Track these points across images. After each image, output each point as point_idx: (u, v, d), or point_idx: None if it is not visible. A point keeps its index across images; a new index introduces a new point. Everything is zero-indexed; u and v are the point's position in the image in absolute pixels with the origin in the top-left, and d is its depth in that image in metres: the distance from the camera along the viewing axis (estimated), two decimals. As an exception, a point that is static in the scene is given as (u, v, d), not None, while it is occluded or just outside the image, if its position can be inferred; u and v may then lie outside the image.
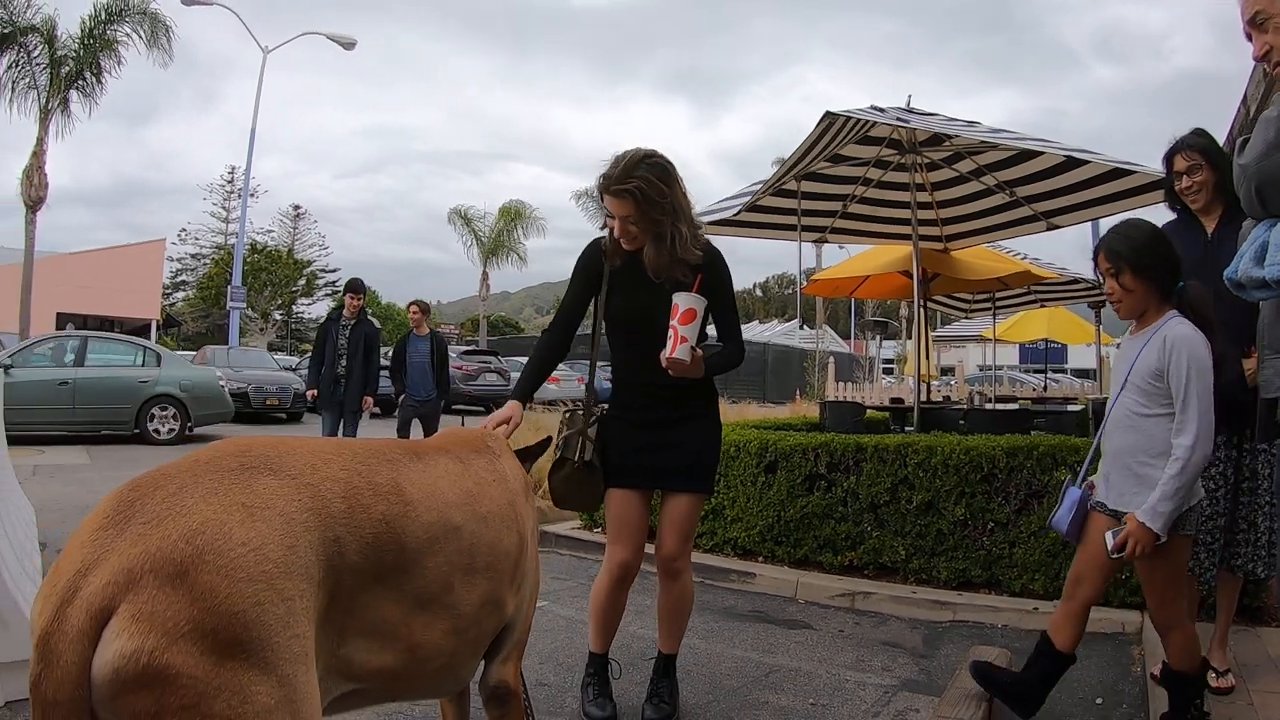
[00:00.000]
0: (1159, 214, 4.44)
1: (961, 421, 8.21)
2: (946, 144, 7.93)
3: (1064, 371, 42.86)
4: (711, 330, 3.73)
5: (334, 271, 62.57)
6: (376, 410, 10.61)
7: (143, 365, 15.67)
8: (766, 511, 6.46)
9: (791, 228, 8.78)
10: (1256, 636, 4.68)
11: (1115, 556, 3.32)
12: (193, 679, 1.47)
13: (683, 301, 3.38)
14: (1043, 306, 15.47)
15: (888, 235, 9.88)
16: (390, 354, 11.09)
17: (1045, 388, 21.89)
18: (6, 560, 3.95)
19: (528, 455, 2.98)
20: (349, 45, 30.45)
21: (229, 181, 64.17)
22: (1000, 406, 13.14)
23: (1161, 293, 3.40)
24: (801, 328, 42.15)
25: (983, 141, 7.16)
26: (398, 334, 11.50)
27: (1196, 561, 3.97)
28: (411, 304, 11.20)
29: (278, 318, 55.57)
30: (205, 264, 62.78)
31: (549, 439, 3.25)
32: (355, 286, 10.53)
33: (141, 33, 25.05)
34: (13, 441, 7.31)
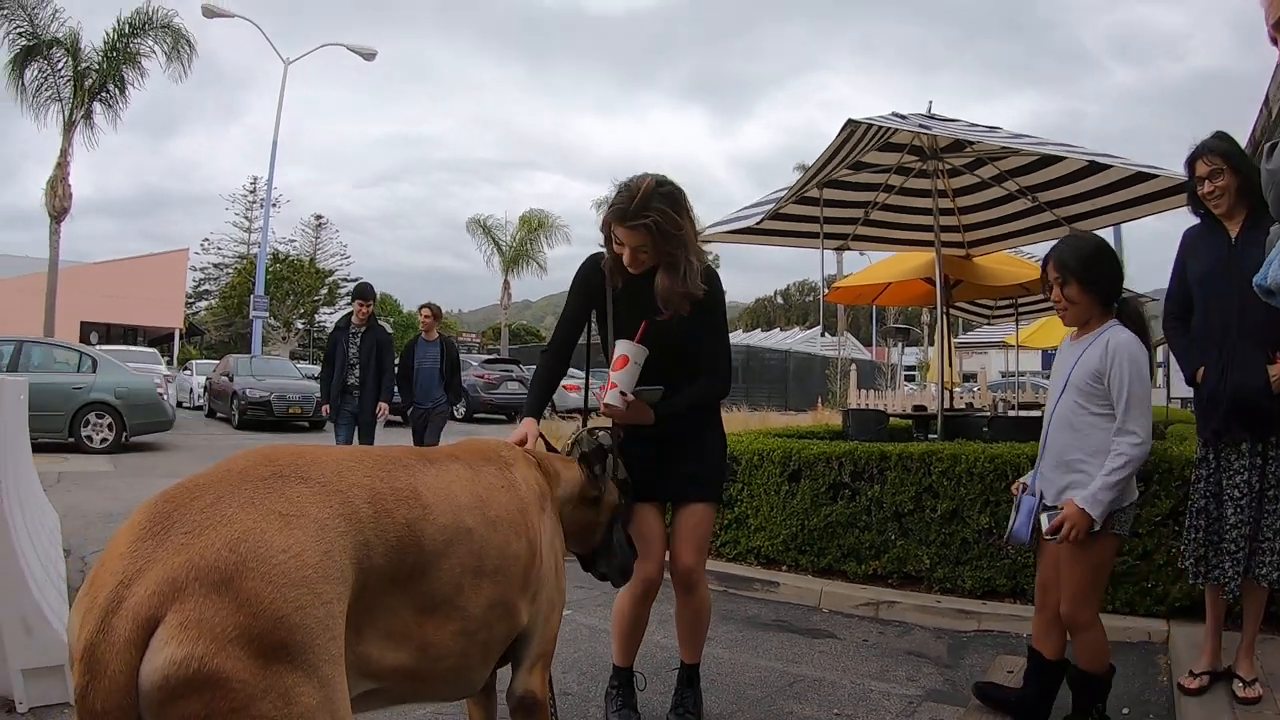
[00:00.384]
0: (1182, 218, 4.43)
1: (985, 429, 8.18)
2: (968, 150, 7.90)
3: (1087, 377, 42.53)
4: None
5: (356, 280, 62.81)
6: (396, 418, 10.30)
7: (79, 371, 15.15)
8: (790, 520, 6.43)
9: (814, 235, 8.76)
10: (1286, 646, 4.63)
11: (1048, 539, 3.46)
12: (241, 682, 1.51)
13: (619, 348, 3.41)
14: (1066, 312, 15.34)
15: (910, 242, 9.85)
16: (399, 361, 10.40)
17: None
18: (32, 567, 3.98)
19: (591, 459, 3.09)
20: (369, 56, 30.64)
21: (251, 191, 64.59)
22: (1024, 413, 13.07)
23: (1104, 303, 3.57)
24: (823, 335, 42.04)
25: (1004, 147, 7.14)
26: (418, 342, 10.69)
27: (1221, 571, 3.94)
28: (422, 307, 10.53)
29: (300, 326, 55.79)
30: (228, 273, 63.18)
31: (607, 443, 3.23)
32: (363, 292, 10.03)
33: (163, 46, 25.28)
34: None
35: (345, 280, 60.40)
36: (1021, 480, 3.86)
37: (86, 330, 40.03)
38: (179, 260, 50.58)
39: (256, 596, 1.55)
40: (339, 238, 72.59)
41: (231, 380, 21.53)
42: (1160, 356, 13.19)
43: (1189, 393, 4.42)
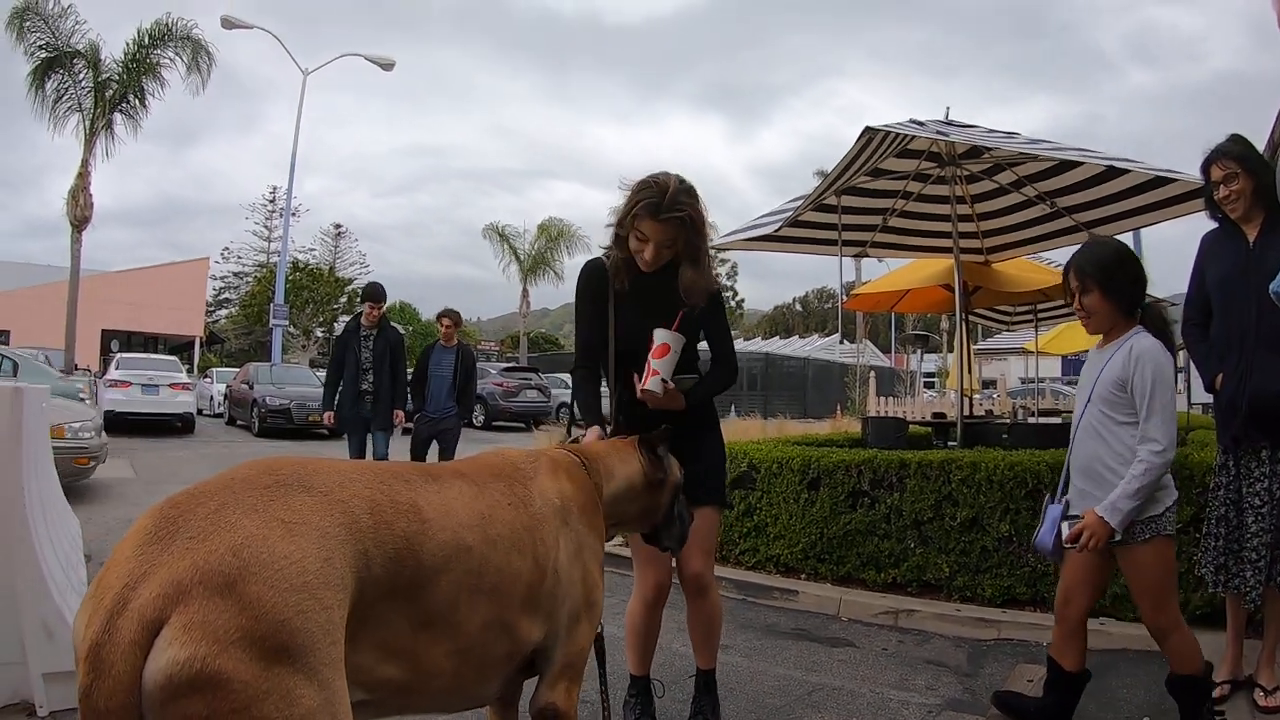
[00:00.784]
0: (1202, 221, 4.40)
1: (1005, 436, 8.13)
2: (986, 156, 7.89)
3: (1107, 383, 42.34)
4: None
5: (375, 288, 62.96)
6: (410, 425, 9.58)
7: None
8: (809, 528, 6.42)
9: (832, 242, 8.75)
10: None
11: (1069, 547, 3.43)
12: (243, 684, 1.54)
13: (658, 337, 3.46)
14: (1086, 318, 15.28)
15: (928, 248, 9.83)
16: (411, 366, 10.00)
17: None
18: (53, 572, 4.01)
19: (654, 442, 3.10)
20: (387, 66, 30.77)
21: (271, 201, 65.07)
22: (1044, 420, 13.00)
23: (1127, 310, 3.52)
24: (842, 342, 41.98)
25: (1022, 153, 7.12)
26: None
27: (1242, 579, 3.91)
28: (441, 314, 9.85)
29: (319, 335, 55.94)
30: (248, 282, 63.60)
31: (666, 428, 3.23)
32: (374, 293, 9.35)
33: (183, 56, 25.48)
34: None
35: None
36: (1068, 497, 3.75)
37: (107, 338, 40.38)
38: (199, 269, 50.98)
39: (259, 600, 1.59)
40: (358, 246, 72.91)
41: (251, 388, 21.67)
42: (1181, 362, 13.12)
43: (1209, 398, 4.37)
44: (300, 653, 1.62)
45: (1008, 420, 11.67)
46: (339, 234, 67.66)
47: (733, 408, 26.23)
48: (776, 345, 55.12)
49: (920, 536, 5.98)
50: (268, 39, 29.58)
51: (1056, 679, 3.70)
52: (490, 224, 44.34)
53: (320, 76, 31.84)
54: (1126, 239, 8.70)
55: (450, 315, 9.79)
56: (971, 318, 13.40)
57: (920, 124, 6.93)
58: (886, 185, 8.58)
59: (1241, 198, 3.96)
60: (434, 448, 9.50)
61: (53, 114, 24.52)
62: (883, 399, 20.49)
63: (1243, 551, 3.92)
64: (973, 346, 17.60)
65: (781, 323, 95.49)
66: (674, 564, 3.66)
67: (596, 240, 3.80)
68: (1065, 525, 3.47)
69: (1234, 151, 4.00)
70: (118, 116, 25.34)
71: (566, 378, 5.56)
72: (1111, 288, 3.48)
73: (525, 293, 44.58)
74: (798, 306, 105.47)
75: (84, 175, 24.98)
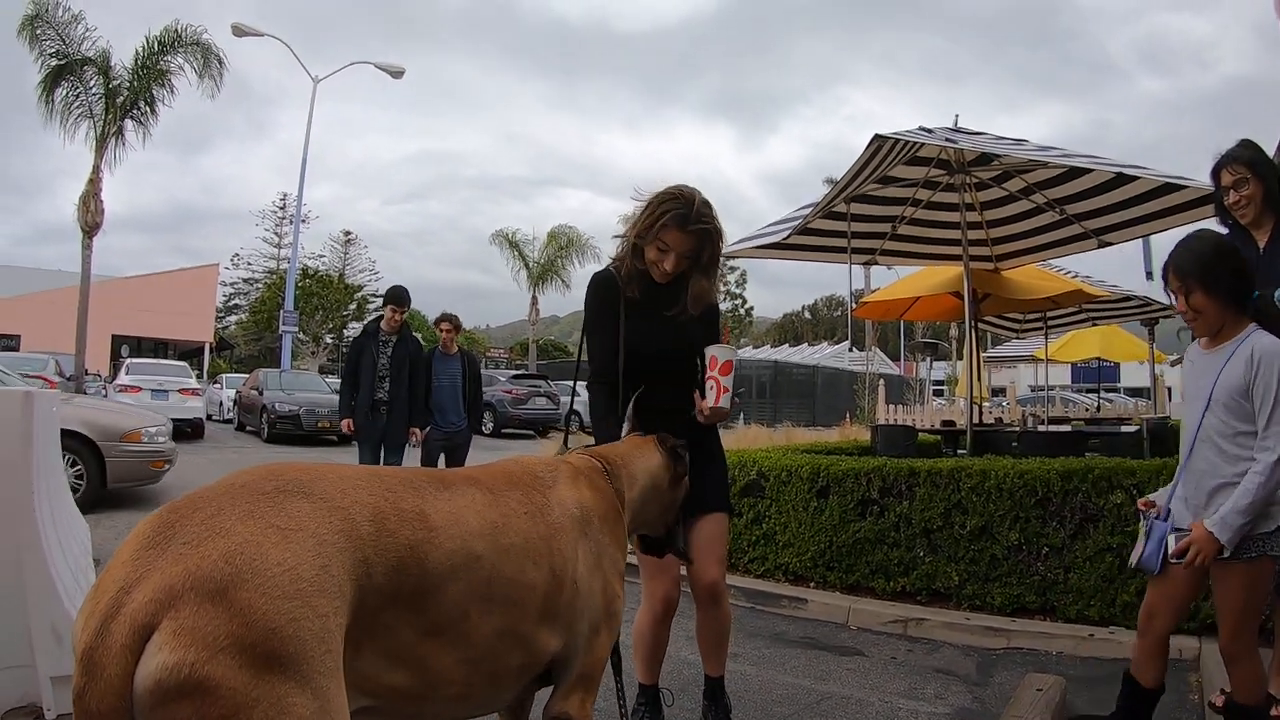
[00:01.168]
0: (1211, 229, 4.37)
1: (1014, 444, 8.13)
2: (995, 163, 7.88)
3: (1116, 391, 42.31)
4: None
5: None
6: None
7: None
8: (818, 536, 6.41)
9: (841, 250, 8.76)
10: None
11: (1174, 562, 3.24)
12: (231, 690, 1.54)
13: (720, 354, 3.48)
14: (1095, 325, 15.29)
15: (938, 256, 9.82)
16: None
17: (1098, 408, 21.62)
18: (62, 576, 4.02)
19: (669, 438, 3.15)
20: (397, 74, 30.89)
21: (281, 207, 65.32)
22: (1053, 428, 12.98)
23: (1236, 306, 3.27)
24: (851, 350, 41.94)
25: (1031, 160, 7.11)
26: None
27: None
28: (440, 319, 9.19)
29: (329, 341, 56.08)
30: (258, 288, 63.81)
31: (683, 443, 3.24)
32: (398, 296, 8.65)
33: (193, 63, 25.59)
34: None
35: (374, 296, 60.75)
36: (1149, 498, 3.58)
37: (117, 343, 40.50)
38: (209, 275, 51.20)
39: (250, 607, 1.58)
40: (368, 253, 73.12)
41: (261, 394, 21.71)
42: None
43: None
44: (292, 661, 1.61)
45: (1017, 428, 11.65)
46: (349, 241, 67.93)
47: (741, 415, 26.21)
48: (785, 353, 55.07)
49: (929, 545, 5.97)
50: (278, 47, 29.71)
51: (1132, 695, 3.57)
52: (499, 231, 44.47)
53: (330, 84, 31.96)
54: (1136, 246, 8.69)
55: (450, 320, 9.17)
56: (981, 325, 13.40)
57: (929, 131, 6.93)
58: (896, 193, 8.58)
59: (1252, 203, 3.93)
60: (441, 461, 8.99)
61: (63, 121, 24.64)
62: (892, 407, 20.50)
63: None
64: (982, 354, 17.59)
65: (790, 330, 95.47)
66: (683, 573, 3.64)
67: (606, 249, 3.79)
68: (1173, 538, 3.26)
69: (1244, 156, 3.97)
70: (128, 123, 25.43)
71: (570, 384, 5.38)
72: (1214, 283, 3.23)
73: (534, 300, 44.65)
74: (807, 314, 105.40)
75: (95, 181, 25.07)
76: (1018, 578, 5.64)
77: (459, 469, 2.64)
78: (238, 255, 66.59)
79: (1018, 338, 17.64)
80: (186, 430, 20.40)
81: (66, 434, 9.32)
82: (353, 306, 59.41)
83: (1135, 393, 37.55)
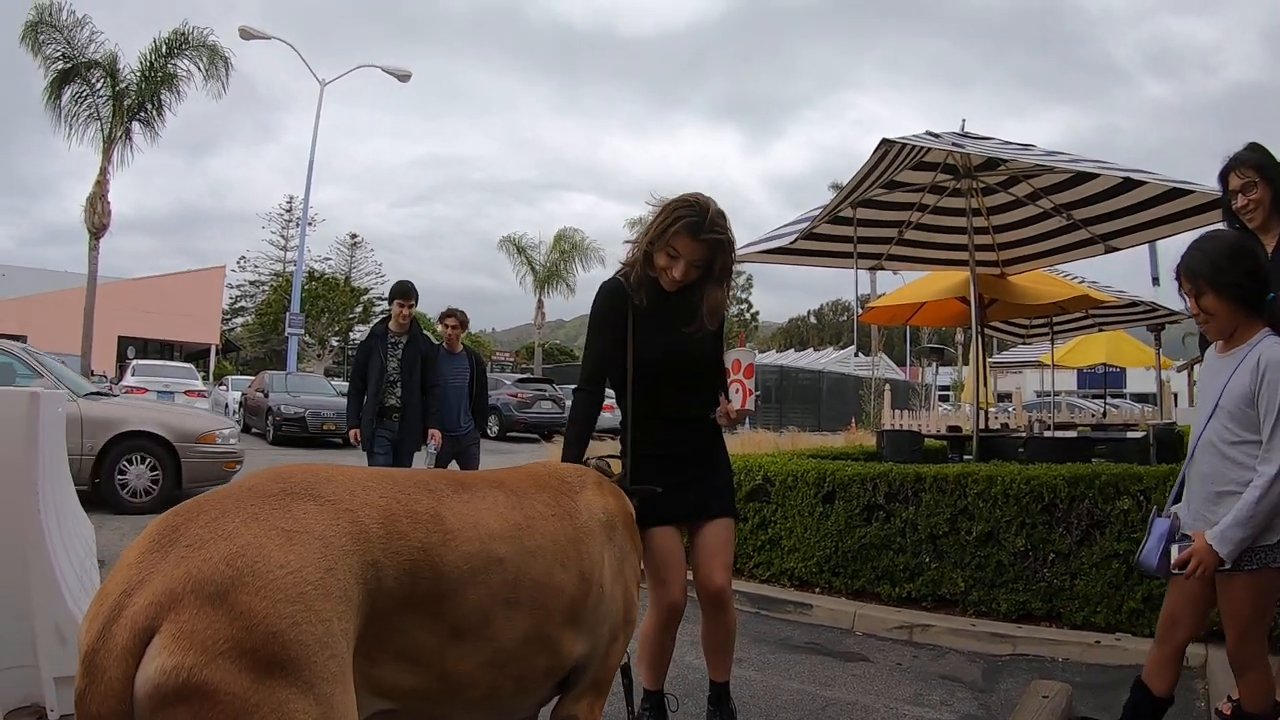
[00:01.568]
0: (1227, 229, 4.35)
1: (1021, 450, 8.10)
2: (1002, 168, 7.87)
3: (1123, 396, 42.25)
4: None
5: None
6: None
7: None
8: (824, 542, 6.40)
9: (847, 255, 8.74)
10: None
11: (1175, 573, 3.22)
12: (230, 695, 1.53)
13: (744, 357, 3.54)
14: (1101, 330, 15.25)
15: (944, 261, 9.81)
16: None
17: (1105, 413, 21.55)
18: (66, 577, 4.01)
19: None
20: (404, 77, 30.91)
21: (288, 210, 65.36)
22: (1059, 434, 12.95)
23: (1250, 309, 3.19)
24: (857, 355, 41.90)
25: (1038, 165, 7.10)
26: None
27: None
28: (446, 316, 8.60)
29: (335, 344, 56.22)
30: (264, 290, 63.90)
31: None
32: (405, 290, 7.96)
33: (200, 65, 25.66)
34: None
35: (380, 299, 60.84)
36: (1175, 509, 3.48)
37: (124, 345, 40.57)
38: (216, 277, 51.28)
39: (250, 611, 1.57)
40: (374, 256, 73.21)
41: (266, 396, 21.72)
42: (1195, 374, 13.05)
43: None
44: (294, 666, 1.60)
45: (1023, 434, 11.62)
46: (355, 244, 67.94)
47: (747, 421, 26.18)
48: (791, 358, 55.03)
49: (935, 550, 5.95)
50: (285, 50, 29.74)
51: (1142, 703, 3.52)
52: (507, 236, 44.56)
53: (337, 87, 31.99)
54: (1143, 252, 8.67)
55: (455, 315, 8.57)
56: (987, 330, 13.37)
57: (936, 136, 6.92)
58: (902, 198, 8.57)
59: (1259, 207, 3.91)
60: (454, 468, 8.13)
61: (70, 123, 24.73)
62: (897, 412, 20.44)
63: None
64: (988, 359, 17.57)
65: (796, 335, 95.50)
66: (690, 578, 3.62)
67: (611, 253, 3.77)
68: (1176, 548, 3.21)
69: (1252, 160, 3.95)
70: (135, 125, 25.54)
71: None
72: (1226, 285, 3.15)
73: (540, 304, 44.70)
74: (812, 319, 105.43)
75: (102, 183, 25.19)
76: (1024, 584, 5.62)
77: (484, 471, 2.62)
78: (244, 258, 66.68)
79: (1024, 343, 17.61)
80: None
81: (145, 435, 9.99)
82: (359, 309, 59.52)
83: (1141, 398, 37.45)
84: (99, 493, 9.83)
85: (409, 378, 7.74)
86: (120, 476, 9.96)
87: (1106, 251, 8.58)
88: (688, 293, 3.54)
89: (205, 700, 1.52)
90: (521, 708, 2.41)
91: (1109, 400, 28.51)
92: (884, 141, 6.56)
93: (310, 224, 42.13)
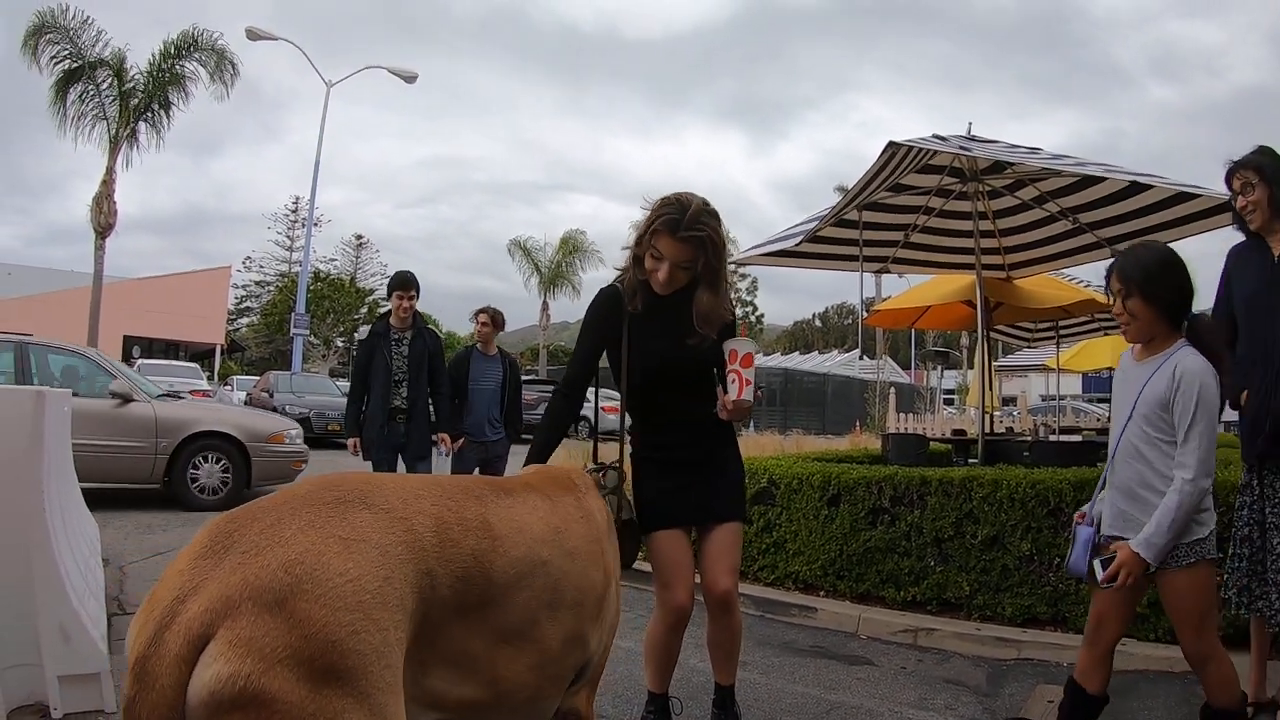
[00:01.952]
0: (1224, 237, 4.36)
1: (1026, 454, 8.08)
2: (1008, 171, 7.85)
3: (1127, 401, 42.12)
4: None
5: (396, 300, 63.36)
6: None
7: None
8: (829, 545, 6.39)
9: (853, 258, 8.73)
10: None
11: (1105, 587, 3.26)
12: (287, 704, 1.50)
13: (741, 346, 3.39)
14: (1106, 335, 15.22)
15: (950, 264, 9.79)
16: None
17: (1109, 418, 21.52)
18: (71, 576, 4.02)
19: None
20: (410, 79, 30.96)
21: (293, 211, 65.50)
22: (1065, 438, 12.92)
23: (1171, 320, 3.32)
24: (861, 358, 41.87)
25: (1045, 168, 7.09)
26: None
27: (1266, 602, 3.83)
28: (479, 312, 8.05)
29: (340, 344, 56.25)
30: (270, 291, 64.03)
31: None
32: (405, 281, 7.33)
33: (208, 68, 25.71)
34: None
35: (384, 300, 60.91)
36: (1082, 509, 3.64)
37: (129, 345, 40.62)
38: (221, 277, 51.35)
39: (309, 619, 1.55)
40: (379, 257, 73.11)
41: (271, 396, 21.78)
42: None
43: (1234, 415, 4.29)
44: (351, 675, 1.58)
45: (1029, 438, 11.60)
46: (360, 244, 68.14)
47: (752, 423, 26.17)
48: (796, 361, 54.99)
49: (940, 554, 5.94)
50: (291, 50, 29.81)
51: (1077, 703, 3.57)
52: (515, 238, 44.74)
53: (343, 88, 32.00)
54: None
55: (488, 313, 8.03)
56: (992, 334, 13.36)
57: (943, 139, 6.91)
58: (908, 201, 8.55)
59: (1259, 208, 3.92)
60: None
61: (76, 123, 24.75)
62: (902, 415, 20.43)
63: (1266, 573, 3.84)
64: (993, 363, 17.54)
65: (801, 338, 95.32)
66: (697, 582, 3.61)
67: (610, 255, 3.68)
68: (1099, 564, 3.28)
69: (1254, 161, 3.95)
70: (142, 126, 25.56)
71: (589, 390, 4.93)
72: (1154, 293, 3.28)
73: (545, 306, 44.76)
74: (817, 322, 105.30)
75: (108, 183, 25.19)
76: (1029, 588, 5.60)
77: (514, 476, 2.62)
78: (250, 258, 66.83)
79: (1029, 347, 17.59)
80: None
81: (219, 436, 10.37)
82: (364, 310, 59.57)
83: (1146, 403, 37.26)
84: (170, 491, 10.31)
85: (416, 376, 7.23)
86: (192, 473, 10.31)
87: (1112, 255, 8.53)
88: (683, 298, 3.46)
89: (262, 708, 1.49)
90: (552, 707, 2.43)
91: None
92: (890, 144, 6.55)
93: (316, 225, 42.32)
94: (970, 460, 8.81)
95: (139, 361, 25.61)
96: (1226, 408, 3.65)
